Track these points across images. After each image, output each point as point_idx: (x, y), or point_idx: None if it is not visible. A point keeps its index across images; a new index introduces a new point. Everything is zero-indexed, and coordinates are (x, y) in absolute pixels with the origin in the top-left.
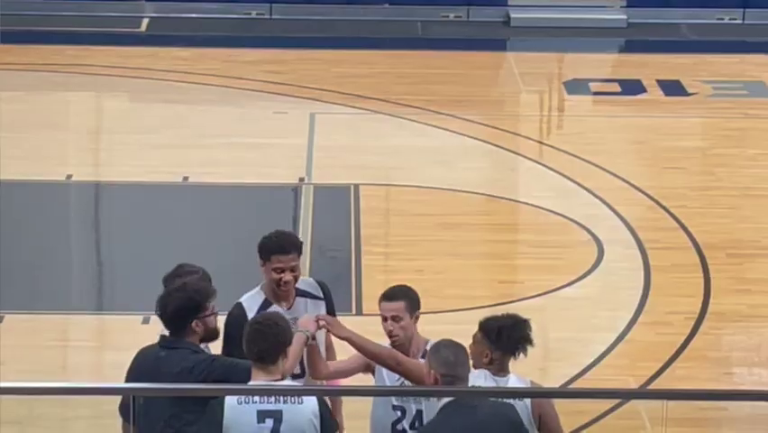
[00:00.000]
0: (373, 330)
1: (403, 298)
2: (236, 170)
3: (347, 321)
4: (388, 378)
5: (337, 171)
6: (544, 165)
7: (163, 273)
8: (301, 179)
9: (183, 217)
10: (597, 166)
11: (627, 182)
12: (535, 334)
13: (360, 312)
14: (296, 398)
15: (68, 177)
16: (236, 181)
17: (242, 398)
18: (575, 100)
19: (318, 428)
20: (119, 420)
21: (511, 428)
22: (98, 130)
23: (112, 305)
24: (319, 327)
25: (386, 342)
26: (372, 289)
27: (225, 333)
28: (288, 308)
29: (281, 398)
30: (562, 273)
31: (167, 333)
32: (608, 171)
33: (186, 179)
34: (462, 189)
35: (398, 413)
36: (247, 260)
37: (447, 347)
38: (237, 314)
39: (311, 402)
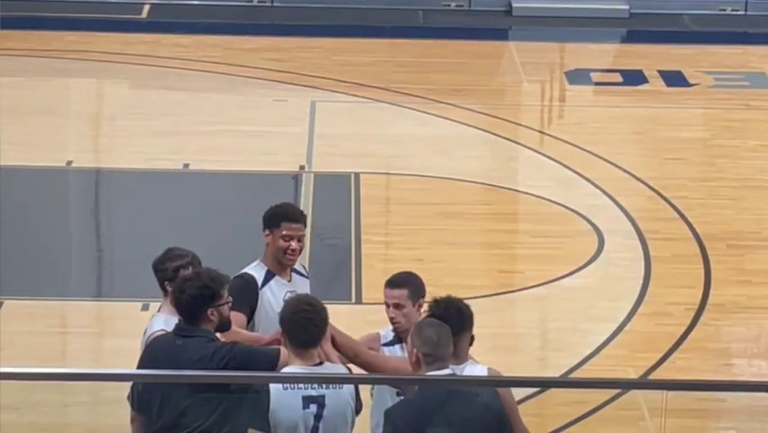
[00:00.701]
0: (373, 319)
1: (406, 285)
2: (236, 157)
3: (346, 310)
4: None
5: (337, 160)
6: (544, 155)
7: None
8: (301, 167)
9: (183, 205)
10: (597, 156)
11: (628, 172)
12: (535, 323)
13: (359, 301)
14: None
15: (69, 163)
16: (236, 169)
17: (288, 384)
18: (576, 90)
19: (354, 408)
20: (124, 408)
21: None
22: (99, 116)
23: (111, 291)
24: None
25: (388, 328)
26: (372, 277)
27: (234, 300)
28: (289, 281)
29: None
30: (562, 263)
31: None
32: (608, 161)
33: (186, 166)
34: (462, 179)
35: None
36: (247, 247)
37: (430, 326)
38: (251, 282)
39: (348, 385)
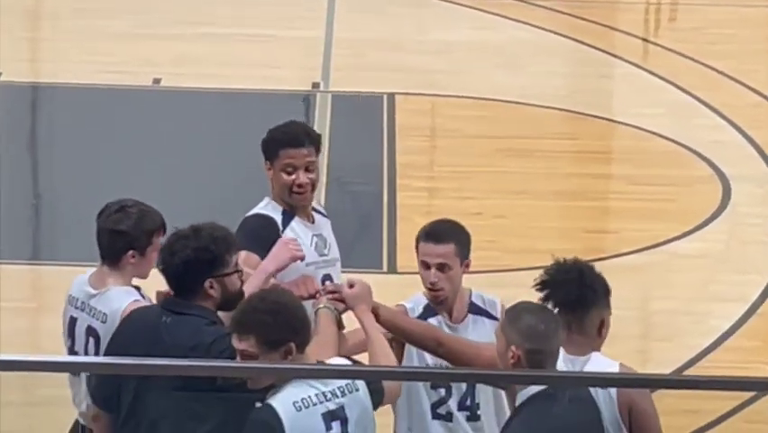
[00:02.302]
0: (412, 294)
1: (452, 239)
2: (225, 71)
3: (376, 281)
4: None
5: (364, 75)
6: (649, 71)
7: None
8: (315, 85)
9: (152, 134)
10: (723, 74)
11: (765, 97)
12: (634, 303)
13: (393, 269)
14: (351, 384)
15: None
16: (225, 87)
17: (299, 403)
18: None
19: (372, 404)
20: (67, 409)
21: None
22: (36, 14)
23: (53, 253)
24: (342, 309)
25: (415, 297)
26: (411, 236)
27: (249, 241)
28: (312, 222)
29: (337, 390)
30: (673, 221)
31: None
32: (738, 81)
33: (157, 81)
34: (536, 103)
35: (441, 392)
36: (238, 192)
37: (532, 313)
38: (272, 222)
39: (360, 382)
